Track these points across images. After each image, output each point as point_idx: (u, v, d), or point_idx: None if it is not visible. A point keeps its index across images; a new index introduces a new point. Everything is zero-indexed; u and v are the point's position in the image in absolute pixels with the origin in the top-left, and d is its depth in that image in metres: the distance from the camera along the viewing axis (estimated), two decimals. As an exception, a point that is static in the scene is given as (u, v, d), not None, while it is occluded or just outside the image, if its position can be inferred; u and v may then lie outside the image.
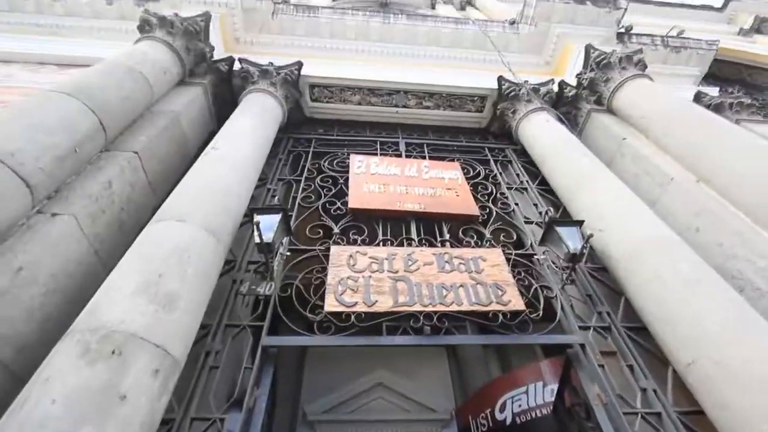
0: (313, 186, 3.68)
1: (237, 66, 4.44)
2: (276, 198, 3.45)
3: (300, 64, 4.50)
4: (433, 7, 9.28)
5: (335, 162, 4.01)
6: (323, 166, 3.95)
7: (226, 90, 4.49)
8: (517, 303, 2.66)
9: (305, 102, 4.84)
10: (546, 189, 4.03)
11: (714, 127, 3.59)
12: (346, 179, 3.69)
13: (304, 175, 3.82)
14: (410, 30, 5.23)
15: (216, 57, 4.48)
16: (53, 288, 2.23)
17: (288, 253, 2.88)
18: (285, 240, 2.86)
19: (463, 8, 9.22)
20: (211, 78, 4.34)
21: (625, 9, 5.36)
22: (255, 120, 3.67)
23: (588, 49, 4.74)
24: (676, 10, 10.85)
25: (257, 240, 2.48)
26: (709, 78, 6.63)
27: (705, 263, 2.64)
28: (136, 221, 3.01)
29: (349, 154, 4.04)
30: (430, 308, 2.55)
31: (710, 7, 11.44)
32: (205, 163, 3.00)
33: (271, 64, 4.43)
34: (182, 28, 4.07)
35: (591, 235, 2.73)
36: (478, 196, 3.76)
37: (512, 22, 5.51)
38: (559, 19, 5.34)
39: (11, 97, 3.93)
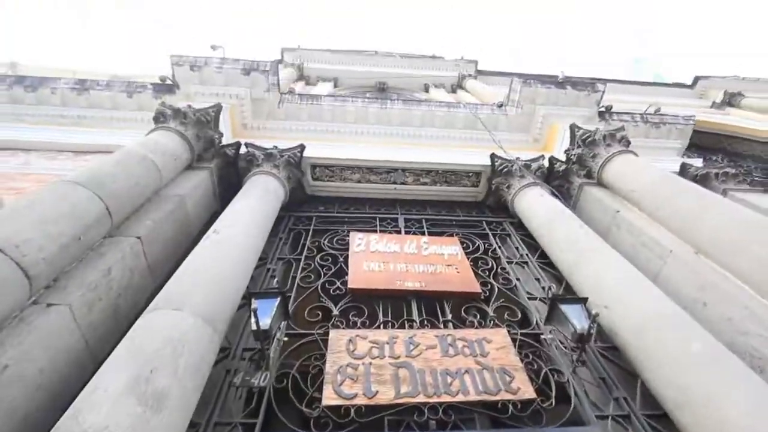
0: (312, 265, 3.69)
1: (243, 150, 4.71)
2: (275, 279, 3.42)
3: (302, 147, 4.77)
4: (426, 90, 10.10)
5: (335, 240, 4.06)
6: (323, 244, 3.99)
7: (232, 172, 4.71)
8: (527, 391, 2.51)
9: (307, 181, 5.05)
10: (547, 262, 4.02)
11: (705, 200, 3.69)
12: (346, 257, 3.70)
13: (304, 254, 3.84)
14: (406, 114, 5.63)
15: (224, 142, 4.77)
16: (38, 385, 2.13)
17: (285, 339, 2.79)
18: (282, 324, 2.79)
19: (454, 91, 10.02)
20: (218, 162, 4.58)
21: (603, 92, 5.83)
22: (257, 202, 3.79)
23: (573, 128, 5.05)
24: (651, 88, 11.80)
25: (254, 327, 2.42)
26: (692, 148, 6.98)
27: (717, 341, 2.54)
28: (132, 306, 2.97)
29: (348, 232, 4.10)
30: (434, 399, 2.39)
31: (682, 85, 12.48)
32: (206, 248, 3.03)
33: (276, 147, 4.70)
34: (194, 118, 4.39)
35: (597, 314, 2.66)
36: (479, 272, 3.74)
37: (500, 105, 5.96)
38: (543, 102, 5.78)
39: (26, 184, 4.12)
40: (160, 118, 4.40)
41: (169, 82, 5.63)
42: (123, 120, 5.49)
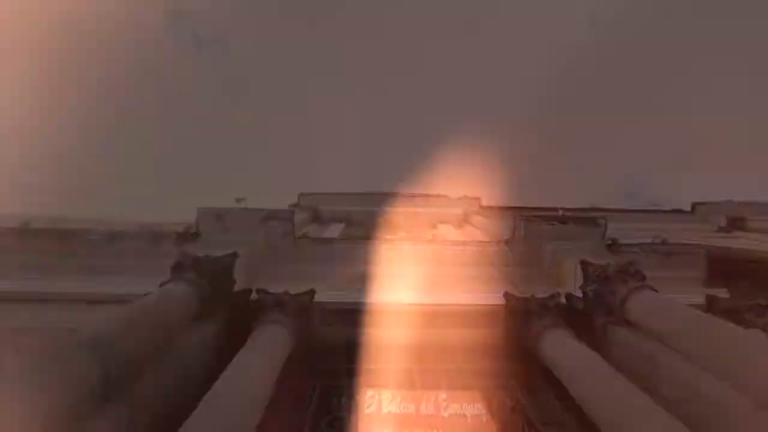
0: (318, 432, 3.27)
1: (254, 296, 4.70)
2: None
3: (313, 293, 4.76)
4: (434, 227, 10.58)
5: (343, 398, 3.69)
6: (331, 404, 3.61)
7: (241, 319, 4.60)
8: None
9: (316, 327, 4.87)
10: (586, 419, 3.49)
11: (751, 343, 3.39)
12: (356, 421, 3.29)
13: (309, 421, 3.43)
14: (415, 254, 5.77)
15: (237, 288, 4.80)
16: None
17: None
18: None
19: (461, 227, 10.47)
20: (228, 309, 4.54)
21: (605, 227, 6.00)
22: (262, 359, 3.60)
23: (584, 264, 5.03)
24: (652, 215, 12.22)
25: None
26: (715, 272, 6.73)
27: None
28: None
29: (358, 388, 3.75)
30: None
31: (680, 211, 12.88)
32: (203, 415, 2.75)
33: (287, 292, 4.69)
34: (210, 268, 4.54)
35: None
36: (509, 438, 3.24)
37: (506, 241, 6.11)
38: (549, 237, 5.91)
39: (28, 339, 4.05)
40: (177, 268, 4.55)
41: (193, 231, 6.03)
42: (143, 267, 5.66)
